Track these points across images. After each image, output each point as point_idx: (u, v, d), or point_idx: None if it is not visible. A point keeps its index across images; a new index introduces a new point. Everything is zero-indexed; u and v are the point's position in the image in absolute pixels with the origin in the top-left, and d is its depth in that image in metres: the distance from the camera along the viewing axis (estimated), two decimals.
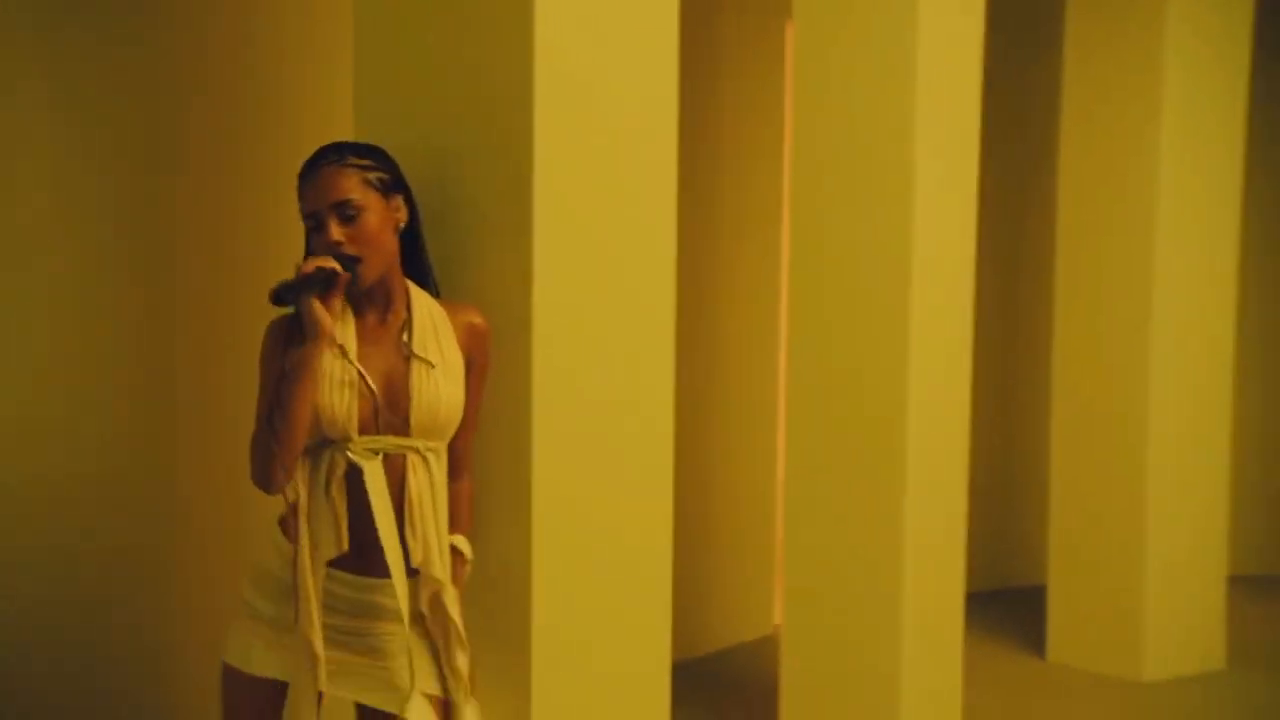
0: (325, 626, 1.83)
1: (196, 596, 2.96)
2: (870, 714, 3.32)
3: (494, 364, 1.97)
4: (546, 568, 2.05)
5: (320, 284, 1.74)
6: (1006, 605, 5.11)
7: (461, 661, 1.88)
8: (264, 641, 1.88)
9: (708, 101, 4.38)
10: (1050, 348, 4.64)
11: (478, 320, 1.92)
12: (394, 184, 1.88)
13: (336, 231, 1.78)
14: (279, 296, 1.73)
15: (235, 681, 1.91)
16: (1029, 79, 5.30)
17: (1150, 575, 4.27)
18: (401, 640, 1.84)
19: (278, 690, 1.90)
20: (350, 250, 1.79)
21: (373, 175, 1.84)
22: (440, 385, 1.83)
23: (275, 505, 1.87)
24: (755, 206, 4.61)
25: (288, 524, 1.85)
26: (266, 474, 1.76)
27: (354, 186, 1.81)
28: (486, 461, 2.05)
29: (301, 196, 1.83)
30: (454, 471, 1.93)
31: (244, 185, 3.05)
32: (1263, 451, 5.74)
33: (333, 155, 1.83)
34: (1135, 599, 4.28)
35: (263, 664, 1.88)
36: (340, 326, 1.82)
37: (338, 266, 1.75)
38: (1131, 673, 4.26)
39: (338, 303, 1.77)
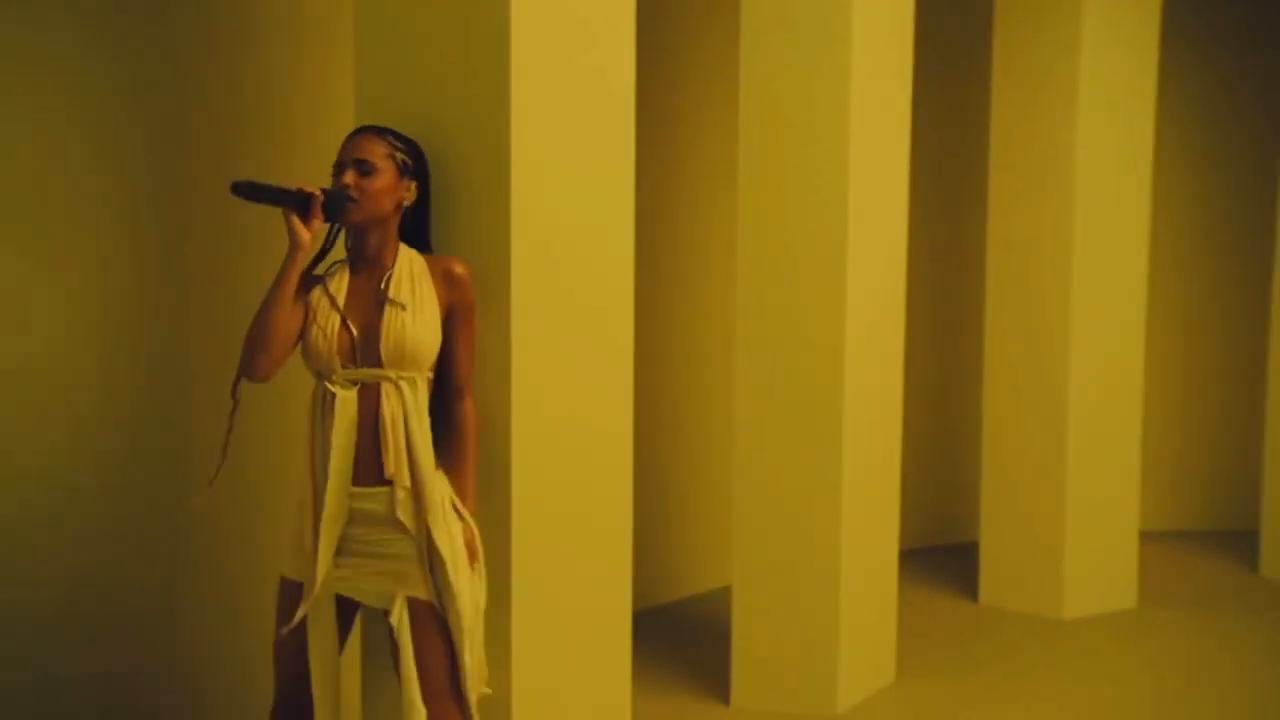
0: (343, 537, 2.20)
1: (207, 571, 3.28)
2: (813, 655, 3.73)
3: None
4: (522, 523, 2.40)
5: (298, 202, 2.11)
6: (944, 559, 5.56)
7: (452, 575, 2.20)
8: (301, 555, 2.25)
9: (667, 93, 4.74)
10: (982, 324, 5.08)
11: (456, 268, 2.27)
12: (413, 170, 2.26)
13: (349, 177, 2.18)
14: (237, 187, 2.07)
15: (285, 587, 2.28)
16: (963, 79, 5.72)
17: (1070, 525, 4.74)
18: (396, 546, 2.20)
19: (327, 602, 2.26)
20: (352, 193, 2.17)
21: (398, 155, 2.23)
22: (408, 324, 2.18)
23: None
24: (710, 185, 4.98)
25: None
26: (248, 360, 2.15)
27: (377, 152, 2.21)
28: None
29: (340, 150, 2.23)
30: (456, 395, 2.28)
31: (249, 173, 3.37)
32: (1173, 418, 6.24)
33: (377, 128, 2.24)
34: (1056, 546, 4.74)
35: (297, 571, 2.25)
36: (336, 282, 2.22)
37: (316, 191, 2.13)
38: (1053, 611, 4.72)
39: (316, 222, 2.14)
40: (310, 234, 2.15)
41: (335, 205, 2.17)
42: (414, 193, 2.27)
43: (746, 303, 3.78)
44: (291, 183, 2.15)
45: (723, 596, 4.83)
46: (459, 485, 2.28)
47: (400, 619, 2.18)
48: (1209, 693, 3.95)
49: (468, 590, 2.23)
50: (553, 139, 2.45)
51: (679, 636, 4.40)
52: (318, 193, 2.14)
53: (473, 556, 2.27)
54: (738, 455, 3.81)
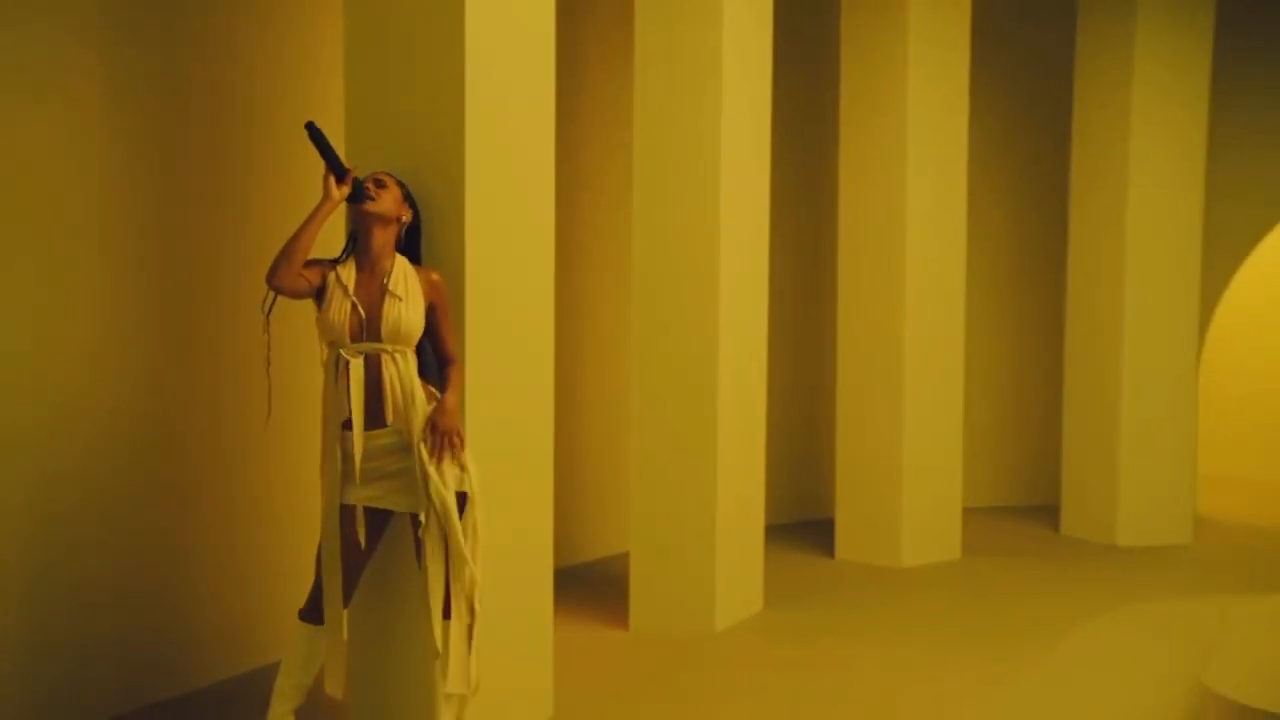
0: (364, 469, 2.98)
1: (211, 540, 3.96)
2: (696, 588, 4.60)
3: None
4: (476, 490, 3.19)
5: (340, 170, 2.93)
6: (808, 529, 6.53)
7: (446, 474, 2.99)
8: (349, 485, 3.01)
9: (574, 124, 5.62)
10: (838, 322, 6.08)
11: (435, 276, 3.11)
12: (411, 200, 3.10)
13: (368, 184, 3.01)
14: (313, 128, 2.89)
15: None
16: (817, 98, 6.77)
17: (906, 493, 5.75)
18: (399, 466, 2.98)
19: (348, 512, 3.01)
20: (370, 191, 2.99)
21: (403, 186, 3.09)
22: (402, 311, 3.00)
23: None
24: (608, 203, 5.88)
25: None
26: (275, 269, 2.91)
27: (388, 179, 3.06)
28: None
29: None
30: (449, 362, 3.11)
31: (241, 183, 4.01)
32: (991, 409, 7.37)
33: (386, 172, 3.10)
34: (895, 511, 5.75)
35: (347, 498, 3.02)
36: (346, 272, 3.01)
37: (356, 174, 2.99)
38: (894, 561, 5.72)
39: (342, 191, 2.93)
40: (339, 196, 2.94)
41: (358, 190, 2.97)
42: (410, 216, 3.09)
43: (641, 306, 4.65)
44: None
45: (616, 561, 5.67)
46: (456, 392, 3.07)
47: (428, 519, 2.95)
48: (1016, 611, 4.94)
49: (451, 498, 2.99)
50: (494, 177, 3.30)
51: (586, 588, 5.22)
52: (353, 171, 2.95)
53: (455, 448, 3.02)
54: (634, 436, 4.67)
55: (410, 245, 3.13)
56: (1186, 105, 6.24)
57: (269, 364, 3.11)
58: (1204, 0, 6.22)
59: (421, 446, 2.97)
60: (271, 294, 2.99)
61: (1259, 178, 7.03)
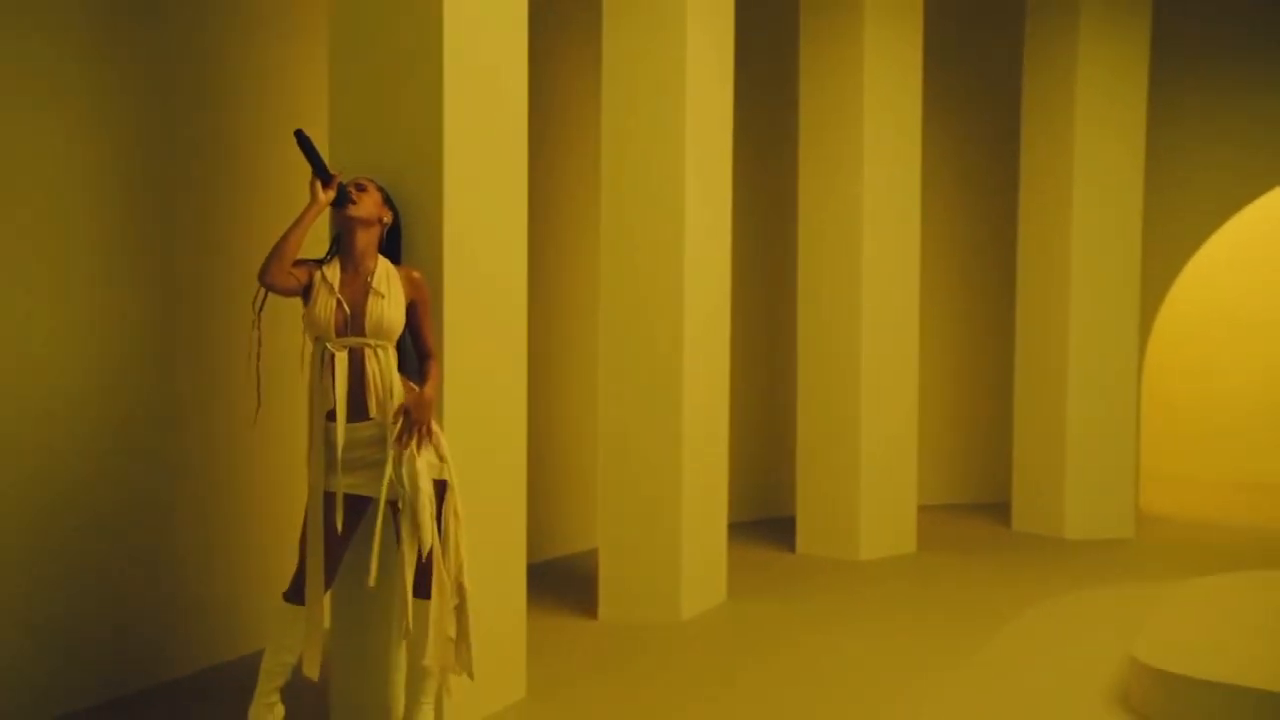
0: (347, 459, 3.16)
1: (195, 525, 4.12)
2: (662, 579, 4.81)
3: None
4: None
5: (325, 174, 3.12)
6: (771, 525, 6.76)
7: (419, 464, 3.18)
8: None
9: (543, 127, 5.83)
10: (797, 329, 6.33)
11: (415, 274, 3.31)
12: (390, 203, 3.29)
13: (352, 188, 3.20)
14: (301, 135, 3.08)
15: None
16: (778, 109, 7.03)
17: (863, 491, 6.00)
18: (377, 456, 3.16)
19: (327, 498, 3.19)
20: (353, 195, 3.18)
21: (382, 190, 3.27)
22: (385, 308, 3.20)
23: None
24: (582, 199, 6.09)
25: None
26: (266, 268, 3.09)
27: (369, 184, 3.24)
28: None
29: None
30: (429, 357, 3.30)
31: (228, 182, 4.20)
32: (944, 413, 7.65)
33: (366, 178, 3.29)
34: (853, 508, 6.00)
35: (330, 486, 3.19)
36: (331, 271, 3.19)
37: (340, 179, 3.17)
38: (852, 555, 5.96)
39: (328, 195, 3.12)
40: (325, 200, 3.13)
41: (342, 195, 3.16)
42: (390, 218, 3.28)
43: (607, 311, 4.86)
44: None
45: (585, 557, 5.87)
46: (434, 385, 3.26)
47: (409, 502, 3.14)
48: (967, 600, 5.19)
49: (427, 486, 3.19)
50: (470, 181, 3.50)
51: (556, 581, 5.41)
52: (338, 176, 3.15)
53: (423, 437, 3.21)
54: (602, 436, 4.87)
55: (391, 245, 3.32)
56: (1126, 117, 6.55)
57: (258, 359, 3.29)
58: (1142, 15, 6.54)
59: (392, 430, 3.16)
60: (262, 291, 3.17)
61: (1198, 185, 7.37)
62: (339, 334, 3.15)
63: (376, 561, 3.17)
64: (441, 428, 3.28)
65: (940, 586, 5.50)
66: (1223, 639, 3.65)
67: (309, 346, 3.20)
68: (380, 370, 3.18)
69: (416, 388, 3.23)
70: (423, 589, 3.20)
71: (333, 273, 3.19)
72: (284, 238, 3.12)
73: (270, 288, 3.13)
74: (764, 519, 7.01)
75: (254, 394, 3.51)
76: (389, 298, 3.19)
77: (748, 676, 4.10)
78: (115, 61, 3.79)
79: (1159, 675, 3.25)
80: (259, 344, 3.28)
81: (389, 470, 3.14)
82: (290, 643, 3.25)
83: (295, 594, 3.26)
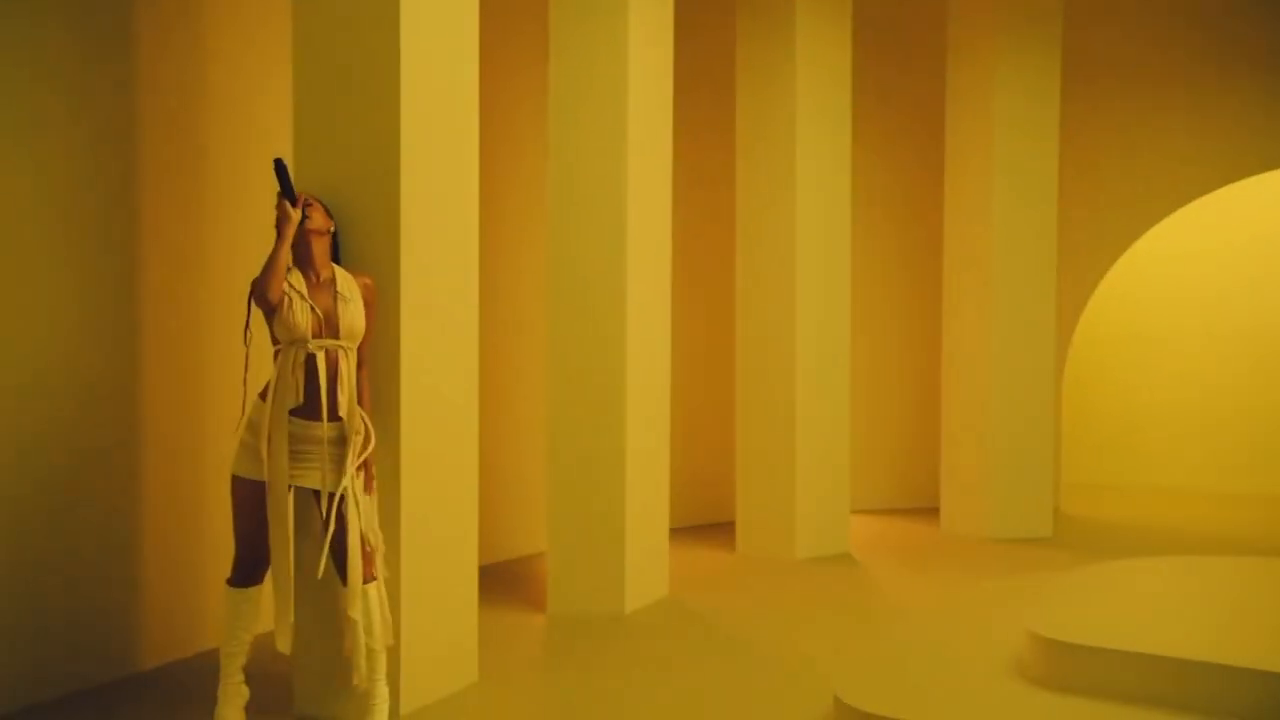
0: (304, 452, 3.43)
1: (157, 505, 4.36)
2: (607, 573, 5.10)
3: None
4: (409, 482, 3.69)
5: (289, 193, 3.41)
6: (711, 530, 7.10)
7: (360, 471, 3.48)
8: (254, 457, 3.44)
9: (494, 144, 6.15)
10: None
11: (368, 279, 3.61)
12: (331, 215, 3.58)
13: (303, 205, 3.48)
14: (280, 163, 3.37)
15: (240, 485, 3.46)
16: (715, 128, 7.40)
17: (799, 496, 6.35)
18: (330, 455, 3.44)
19: (260, 487, 3.45)
20: (306, 212, 3.47)
21: (323, 202, 3.56)
22: (353, 313, 3.49)
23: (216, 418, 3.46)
24: (530, 213, 6.40)
25: (265, 392, 3.45)
26: (267, 287, 3.35)
27: (313, 199, 3.53)
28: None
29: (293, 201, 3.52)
30: (362, 364, 3.59)
31: (197, 186, 4.46)
32: (883, 411, 8.05)
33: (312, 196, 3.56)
34: (789, 512, 6.34)
35: (254, 471, 3.45)
36: (296, 280, 3.45)
37: (301, 202, 3.46)
38: (788, 554, 6.31)
39: (296, 210, 3.39)
40: (297, 216, 3.40)
41: (303, 213, 3.46)
42: (333, 226, 3.58)
43: (554, 329, 5.16)
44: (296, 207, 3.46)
45: (533, 560, 6.15)
46: (368, 403, 3.58)
47: (349, 494, 3.41)
48: (893, 590, 5.55)
49: (360, 481, 3.48)
50: (424, 196, 3.81)
51: (506, 581, 5.69)
52: (299, 204, 3.44)
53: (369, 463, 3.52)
54: (549, 441, 5.17)
55: (334, 252, 3.62)
56: (1040, 141, 6.98)
57: (246, 370, 3.57)
58: (1052, 43, 7.00)
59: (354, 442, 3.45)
60: (249, 312, 3.44)
61: (1110, 205, 7.87)
62: (315, 337, 3.42)
63: (325, 554, 3.42)
64: (397, 438, 3.57)
65: (868, 580, 5.86)
66: (1112, 612, 4.03)
67: (283, 352, 3.42)
68: (350, 370, 3.46)
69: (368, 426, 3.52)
70: (369, 576, 3.46)
71: (299, 282, 3.46)
72: (275, 257, 3.38)
73: (269, 304, 3.38)
74: (707, 524, 7.34)
75: (219, 398, 3.77)
76: (353, 301, 3.49)
77: (686, 660, 4.41)
78: (91, 93, 4.05)
79: (1050, 644, 3.61)
80: (248, 363, 3.55)
81: (350, 467, 3.42)
82: (244, 623, 3.50)
83: (240, 579, 3.51)
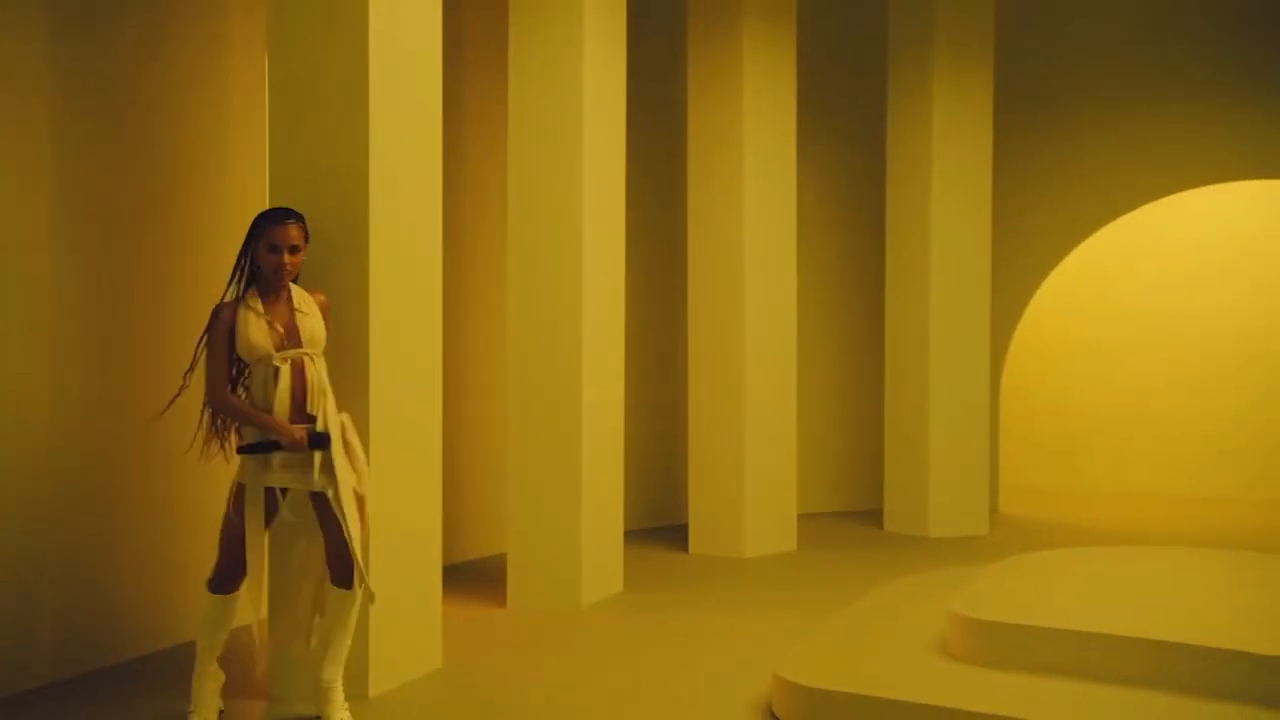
0: (286, 458, 3.66)
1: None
2: (564, 571, 5.38)
3: (341, 336, 3.90)
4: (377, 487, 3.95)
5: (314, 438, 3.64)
6: (665, 532, 7.39)
7: (352, 470, 3.72)
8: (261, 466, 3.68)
9: (456, 162, 6.42)
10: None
11: (322, 297, 3.84)
12: (307, 236, 3.82)
13: (288, 257, 3.70)
14: (314, 441, 3.61)
15: (238, 489, 3.70)
16: (668, 144, 7.73)
17: (748, 496, 6.66)
18: (313, 458, 3.67)
19: (270, 493, 3.69)
20: (291, 269, 3.71)
21: (306, 229, 3.78)
22: (312, 323, 3.74)
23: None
24: (490, 228, 6.68)
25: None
26: (216, 406, 3.66)
27: (301, 237, 3.76)
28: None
29: (271, 233, 3.71)
30: None
31: (170, 199, 4.71)
32: (830, 418, 8.40)
33: (296, 217, 3.76)
34: (739, 511, 6.65)
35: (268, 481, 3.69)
36: (254, 302, 3.67)
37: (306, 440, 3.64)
38: (738, 553, 6.62)
39: (300, 430, 3.62)
40: (297, 438, 3.61)
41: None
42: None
43: (514, 341, 5.45)
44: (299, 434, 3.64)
45: (494, 560, 6.41)
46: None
47: (337, 498, 3.64)
48: (836, 584, 5.85)
49: (349, 482, 3.71)
50: (391, 213, 4.09)
51: (468, 579, 5.95)
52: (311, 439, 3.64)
53: (354, 455, 3.77)
54: (510, 445, 5.45)
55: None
56: (974, 160, 7.38)
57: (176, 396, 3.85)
58: (986, 62, 7.41)
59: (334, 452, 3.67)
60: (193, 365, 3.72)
61: (1045, 219, 8.29)
62: (279, 349, 3.66)
63: (357, 546, 3.66)
64: (367, 443, 3.83)
65: (813, 575, 6.18)
66: (1028, 594, 4.37)
67: (250, 369, 3.66)
68: (318, 373, 3.71)
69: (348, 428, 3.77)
70: (346, 580, 3.69)
71: (256, 303, 3.68)
72: (244, 420, 3.65)
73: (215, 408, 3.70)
74: (662, 526, 7.63)
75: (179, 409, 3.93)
76: (310, 314, 3.74)
77: (639, 650, 4.70)
78: (68, 57, 4.28)
79: (969, 622, 3.94)
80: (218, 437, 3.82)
81: (342, 472, 3.64)
82: (222, 624, 3.71)
83: (220, 584, 3.70)
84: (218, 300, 3.78)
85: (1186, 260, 9.25)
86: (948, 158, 7.32)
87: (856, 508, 8.36)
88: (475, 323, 6.64)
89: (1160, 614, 4.01)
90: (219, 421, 3.74)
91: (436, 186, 4.36)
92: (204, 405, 3.73)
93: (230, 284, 3.75)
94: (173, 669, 4.27)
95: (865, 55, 8.28)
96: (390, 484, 4.06)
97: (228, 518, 3.70)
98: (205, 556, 4.63)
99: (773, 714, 3.86)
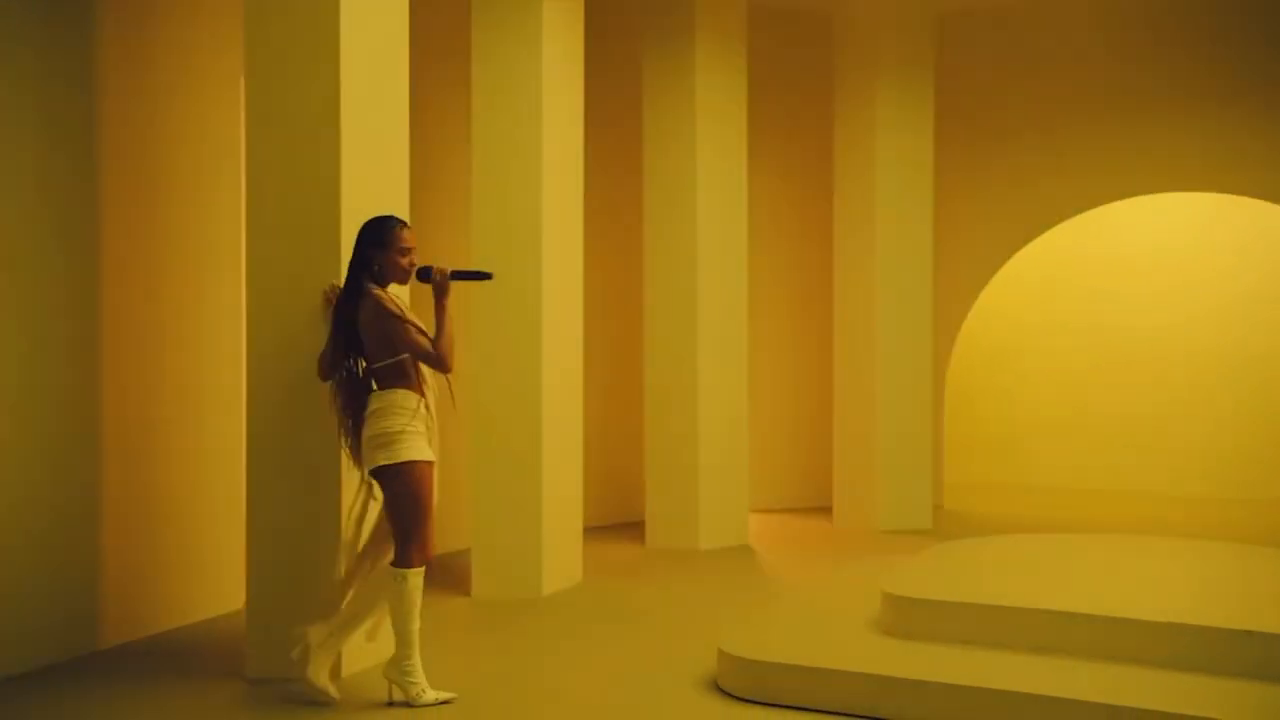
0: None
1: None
2: (526, 559, 5.67)
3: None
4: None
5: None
6: (625, 528, 7.71)
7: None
8: (421, 441, 3.94)
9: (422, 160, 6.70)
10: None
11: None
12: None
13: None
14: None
15: (421, 467, 3.93)
16: (625, 128, 8.05)
17: (702, 493, 7.00)
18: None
19: (431, 466, 3.97)
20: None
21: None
22: None
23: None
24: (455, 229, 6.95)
25: (387, 385, 3.96)
26: (452, 359, 3.95)
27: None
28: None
29: (401, 238, 4.04)
30: None
31: (173, 193, 4.96)
32: (783, 418, 8.76)
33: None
34: (693, 509, 6.98)
35: (426, 452, 3.96)
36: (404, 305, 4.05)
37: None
38: (693, 545, 6.95)
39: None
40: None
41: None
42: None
43: (479, 345, 5.73)
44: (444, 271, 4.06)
45: (456, 556, 6.68)
46: None
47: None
48: (783, 572, 6.20)
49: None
50: (364, 210, 4.36)
51: (435, 572, 6.21)
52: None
53: None
54: (471, 440, 5.74)
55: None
56: (917, 173, 7.77)
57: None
58: (927, 80, 7.81)
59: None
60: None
61: (983, 229, 8.70)
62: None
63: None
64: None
65: (764, 566, 6.52)
66: (955, 574, 4.73)
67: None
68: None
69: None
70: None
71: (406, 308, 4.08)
72: (451, 328, 3.97)
73: (449, 369, 3.98)
74: (620, 523, 7.94)
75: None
76: None
77: (595, 633, 5.01)
78: (51, 100, 4.54)
79: (898, 599, 4.29)
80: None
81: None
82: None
83: (424, 558, 3.98)
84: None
85: (1117, 269, 9.71)
86: (891, 165, 7.71)
87: (808, 504, 8.72)
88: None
89: (1069, 590, 4.38)
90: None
91: (404, 190, 4.65)
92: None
93: (358, 280, 3.98)
94: (152, 658, 4.51)
95: (813, 65, 8.66)
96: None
97: (413, 496, 3.89)
98: (199, 536, 4.89)
99: (718, 686, 4.18)
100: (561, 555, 5.89)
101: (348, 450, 4.06)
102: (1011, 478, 9.99)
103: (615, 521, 7.93)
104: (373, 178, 4.44)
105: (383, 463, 3.89)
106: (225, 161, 5.34)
